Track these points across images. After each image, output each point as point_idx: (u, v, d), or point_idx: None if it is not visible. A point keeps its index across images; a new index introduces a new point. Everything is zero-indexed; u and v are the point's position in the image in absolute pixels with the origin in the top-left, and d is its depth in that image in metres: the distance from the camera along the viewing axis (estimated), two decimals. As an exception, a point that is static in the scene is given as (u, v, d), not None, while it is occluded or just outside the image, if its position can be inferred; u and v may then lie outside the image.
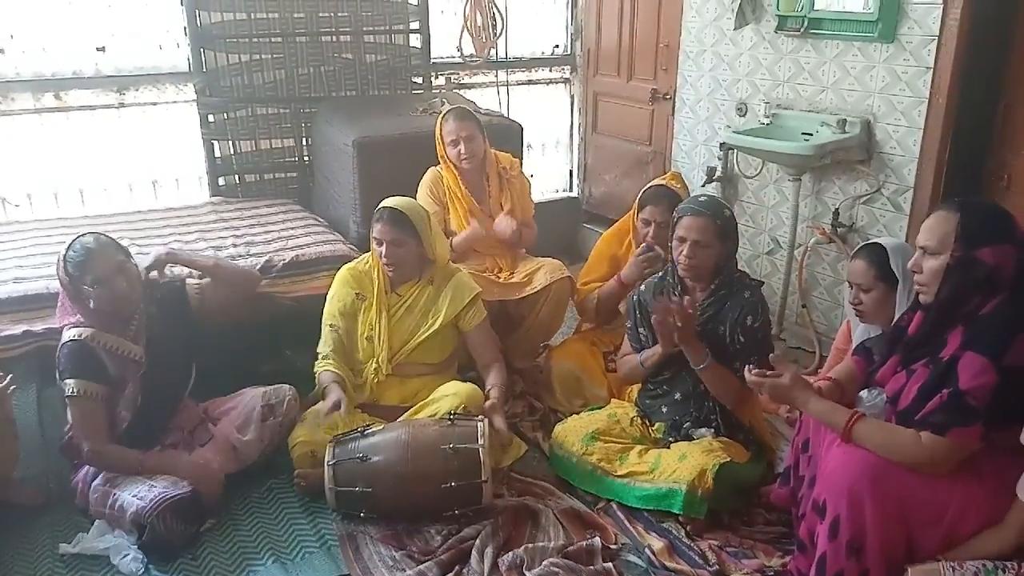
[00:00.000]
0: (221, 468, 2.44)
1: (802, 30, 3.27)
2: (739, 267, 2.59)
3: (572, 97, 4.83)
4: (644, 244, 2.89)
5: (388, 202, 2.73)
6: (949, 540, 1.78)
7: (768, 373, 2.03)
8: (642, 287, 2.69)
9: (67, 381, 2.33)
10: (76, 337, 2.35)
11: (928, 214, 1.92)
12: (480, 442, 2.34)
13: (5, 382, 2.36)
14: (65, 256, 2.36)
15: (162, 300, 2.57)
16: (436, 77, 4.30)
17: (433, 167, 3.26)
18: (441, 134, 3.18)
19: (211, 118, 3.79)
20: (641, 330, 2.65)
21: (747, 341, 2.44)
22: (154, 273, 2.63)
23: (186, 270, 2.72)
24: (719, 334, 2.48)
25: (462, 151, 3.13)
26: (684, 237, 2.44)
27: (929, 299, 1.85)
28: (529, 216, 3.36)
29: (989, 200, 1.97)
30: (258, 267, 2.99)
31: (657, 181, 3.00)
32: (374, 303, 2.73)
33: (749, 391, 2.36)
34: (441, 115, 3.21)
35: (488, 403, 2.61)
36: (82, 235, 2.40)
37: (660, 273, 2.67)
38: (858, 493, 1.79)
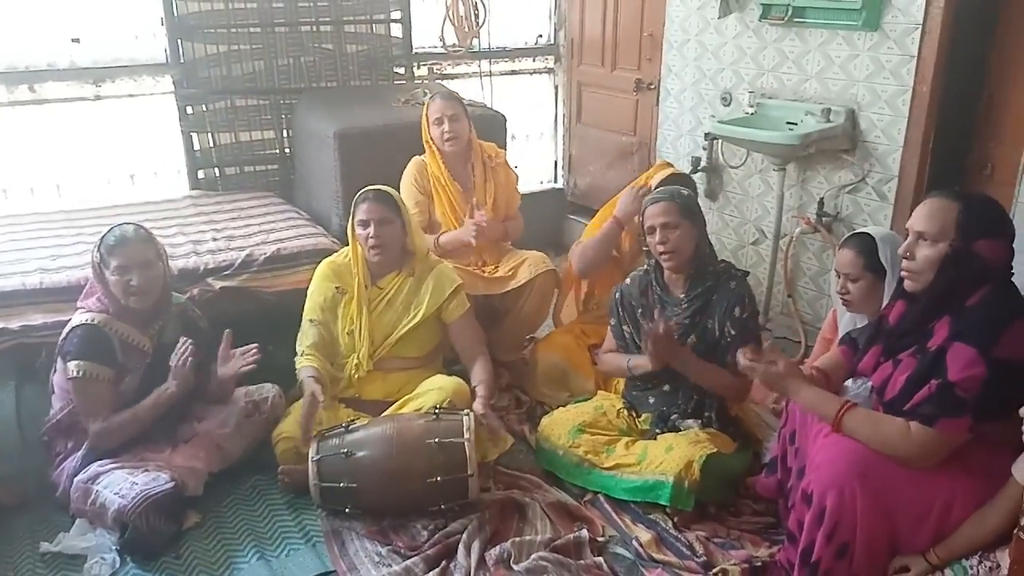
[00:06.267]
0: (205, 465, 2.42)
1: (786, 18, 3.25)
2: (723, 258, 2.59)
3: (556, 87, 4.80)
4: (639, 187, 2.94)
5: (368, 188, 2.70)
6: (938, 534, 1.78)
7: (761, 360, 2.02)
8: (627, 281, 2.68)
9: (75, 363, 2.31)
10: (89, 321, 2.35)
11: (914, 202, 1.91)
12: (466, 436, 2.32)
13: None
14: (103, 237, 2.39)
15: (181, 315, 2.57)
16: (418, 67, 4.26)
17: (417, 156, 3.22)
18: (427, 114, 3.16)
19: (190, 110, 3.73)
20: (625, 327, 2.64)
21: (737, 333, 2.44)
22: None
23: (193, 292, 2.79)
24: (708, 328, 2.48)
25: (446, 130, 3.09)
26: (653, 225, 2.48)
27: (918, 287, 1.83)
28: (515, 209, 3.34)
29: (982, 192, 1.94)
30: (239, 261, 2.95)
31: (661, 176, 2.96)
32: (355, 297, 2.69)
33: (745, 381, 2.36)
34: (428, 97, 3.20)
35: (476, 403, 2.53)
36: (126, 223, 2.45)
37: (643, 268, 2.65)
38: (847, 485, 1.78)
